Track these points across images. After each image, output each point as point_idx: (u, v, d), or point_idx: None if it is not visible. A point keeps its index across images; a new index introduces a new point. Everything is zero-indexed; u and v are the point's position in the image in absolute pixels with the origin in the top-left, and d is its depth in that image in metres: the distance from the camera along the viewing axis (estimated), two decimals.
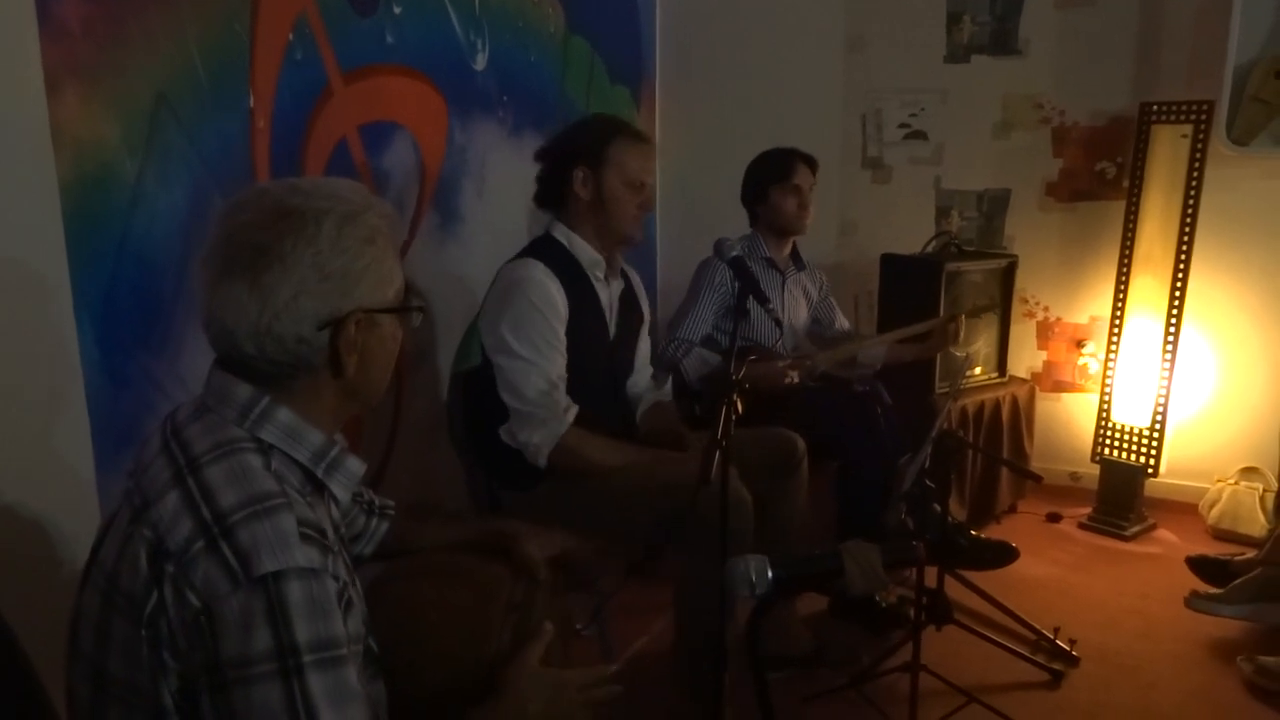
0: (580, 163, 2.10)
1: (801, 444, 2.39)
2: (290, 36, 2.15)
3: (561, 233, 2.14)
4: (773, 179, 2.92)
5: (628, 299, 2.26)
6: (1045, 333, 3.68)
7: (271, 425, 1.05)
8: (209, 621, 0.92)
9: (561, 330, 2.04)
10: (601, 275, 2.16)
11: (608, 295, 2.19)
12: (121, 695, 1.00)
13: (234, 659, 0.92)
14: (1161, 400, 3.23)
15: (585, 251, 2.13)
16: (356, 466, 1.14)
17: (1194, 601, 2.54)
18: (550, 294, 2.03)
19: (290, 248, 1.01)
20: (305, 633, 0.93)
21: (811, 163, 2.96)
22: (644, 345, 2.40)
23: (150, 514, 0.98)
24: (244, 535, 0.94)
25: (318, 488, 1.09)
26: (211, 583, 0.92)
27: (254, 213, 1.03)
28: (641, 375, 2.39)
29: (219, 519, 0.95)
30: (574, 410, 2.03)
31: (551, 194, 2.17)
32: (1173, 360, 3.21)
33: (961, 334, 2.98)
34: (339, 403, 1.12)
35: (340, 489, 1.12)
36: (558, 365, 2.02)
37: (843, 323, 3.19)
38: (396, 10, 2.48)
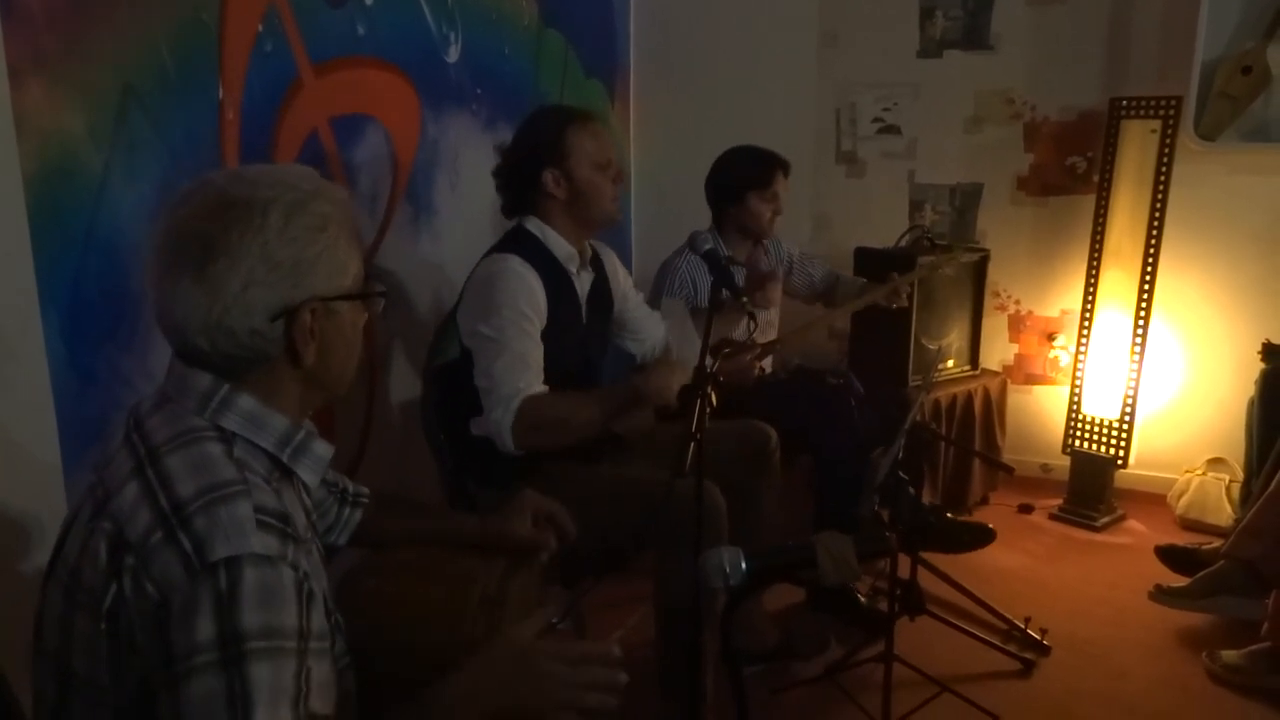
0: (546, 164, 2.08)
1: (774, 436, 2.40)
2: (260, 27, 2.13)
3: (535, 226, 2.13)
4: (753, 184, 2.88)
5: (599, 289, 2.26)
6: (1017, 326, 3.71)
7: (233, 413, 1.03)
8: (166, 614, 0.90)
9: (537, 320, 2.02)
10: (575, 268, 2.16)
11: (581, 287, 2.18)
12: (85, 693, 0.98)
13: (182, 650, 0.89)
14: (1131, 392, 3.27)
15: (560, 245, 2.12)
16: (324, 450, 1.12)
17: (1157, 596, 2.58)
18: (529, 284, 2.02)
19: (237, 239, 0.98)
20: (251, 620, 0.90)
21: (788, 169, 2.95)
22: (639, 312, 2.45)
23: (111, 506, 0.97)
24: (200, 523, 0.92)
25: (286, 474, 1.08)
26: (169, 574, 0.91)
27: (198, 204, 1.01)
28: (655, 336, 2.48)
29: (177, 509, 0.93)
30: (537, 388, 1.98)
31: (524, 201, 2.15)
32: (1142, 353, 3.25)
33: (904, 292, 2.90)
34: (303, 392, 1.10)
35: (308, 473, 1.10)
36: (529, 348, 2.00)
37: (826, 272, 3.17)
38: (367, 1, 2.46)
